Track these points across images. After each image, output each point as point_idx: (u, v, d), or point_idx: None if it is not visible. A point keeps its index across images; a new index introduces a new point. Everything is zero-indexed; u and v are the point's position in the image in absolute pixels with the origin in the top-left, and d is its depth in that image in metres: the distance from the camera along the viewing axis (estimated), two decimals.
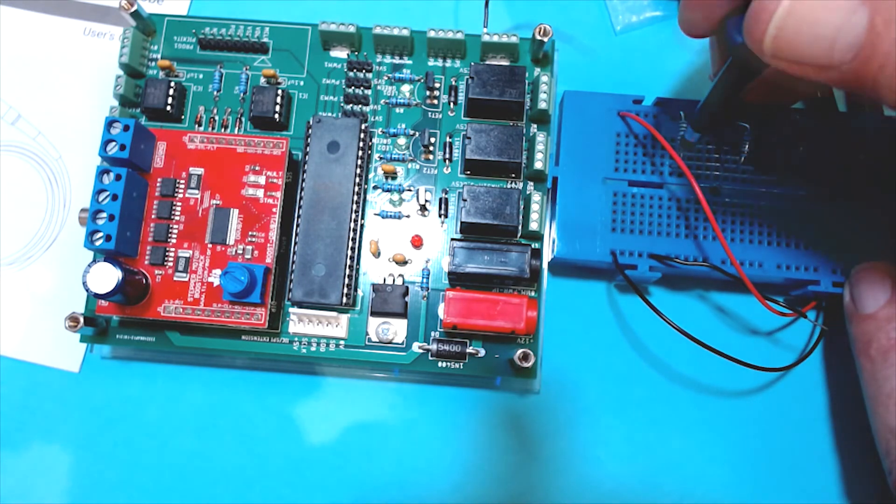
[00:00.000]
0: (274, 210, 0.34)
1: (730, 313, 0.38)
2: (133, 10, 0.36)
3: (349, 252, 0.34)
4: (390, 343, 0.35)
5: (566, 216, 0.36)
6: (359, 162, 0.35)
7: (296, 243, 0.34)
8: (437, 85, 0.37)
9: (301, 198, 0.34)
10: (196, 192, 0.35)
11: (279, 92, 0.36)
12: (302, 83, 0.38)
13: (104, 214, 0.32)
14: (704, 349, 0.34)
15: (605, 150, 0.36)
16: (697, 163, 0.36)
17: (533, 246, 0.34)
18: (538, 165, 0.35)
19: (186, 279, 0.34)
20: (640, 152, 0.36)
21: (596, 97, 0.37)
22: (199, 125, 0.37)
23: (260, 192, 0.35)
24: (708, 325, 0.38)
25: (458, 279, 0.35)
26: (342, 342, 0.35)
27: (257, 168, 0.35)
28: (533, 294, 0.35)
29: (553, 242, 0.36)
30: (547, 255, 0.36)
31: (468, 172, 0.36)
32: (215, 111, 0.37)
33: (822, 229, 0.35)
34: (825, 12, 0.20)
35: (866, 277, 0.33)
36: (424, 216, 0.36)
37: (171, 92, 0.36)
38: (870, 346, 0.31)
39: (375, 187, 0.36)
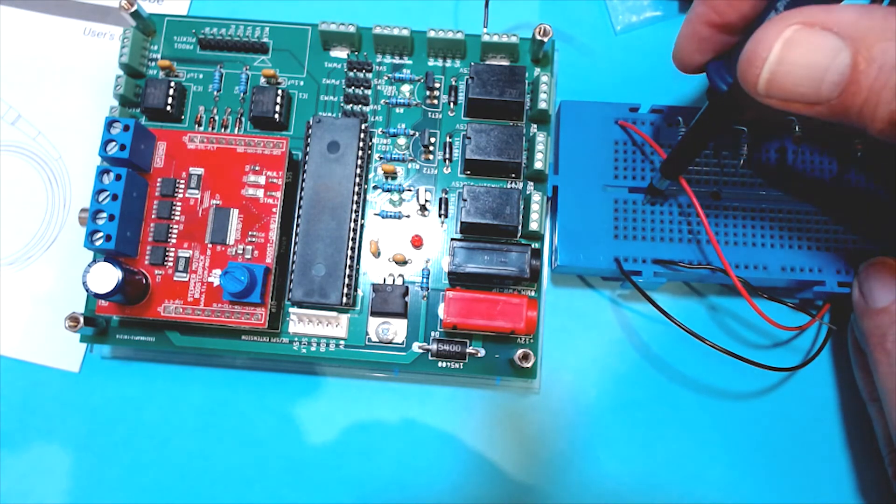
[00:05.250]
0: (274, 210, 0.34)
1: (733, 315, 0.38)
2: (133, 10, 0.36)
3: (349, 252, 0.34)
4: (390, 343, 0.35)
5: (567, 225, 0.36)
6: (359, 162, 0.35)
7: (296, 243, 0.34)
8: (437, 85, 0.37)
9: (301, 198, 0.34)
10: (196, 192, 0.35)
11: (279, 92, 0.36)
12: (302, 83, 0.38)
13: (104, 214, 0.32)
14: (709, 349, 0.33)
15: (604, 157, 0.36)
16: (696, 167, 0.36)
17: (533, 246, 0.34)
18: (538, 165, 0.35)
19: (186, 279, 0.34)
20: (638, 159, 0.36)
21: (593, 106, 0.37)
22: (199, 125, 0.37)
23: (260, 192, 0.35)
24: (711, 328, 0.38)
25: (458, 279, 0.35)
26: (342, 342, 0.35)
27: (257, 168, 0.35)
28: (533, 294, 0.35)
29: (555, 251, 0.36)
30: (549, 264, 0.36)
31: (468, 172, 0.36)
32: (215, 111, 0.37)
33: (825, 229, 0.35)
34: (813, 54, 0.22)
35: (876, 272, 0.33)
36: (424, 216, 0.36)
37: (171, 92, 0.36)
38: (885, 340, 0.32)
39: (375, 187, 0.36)
